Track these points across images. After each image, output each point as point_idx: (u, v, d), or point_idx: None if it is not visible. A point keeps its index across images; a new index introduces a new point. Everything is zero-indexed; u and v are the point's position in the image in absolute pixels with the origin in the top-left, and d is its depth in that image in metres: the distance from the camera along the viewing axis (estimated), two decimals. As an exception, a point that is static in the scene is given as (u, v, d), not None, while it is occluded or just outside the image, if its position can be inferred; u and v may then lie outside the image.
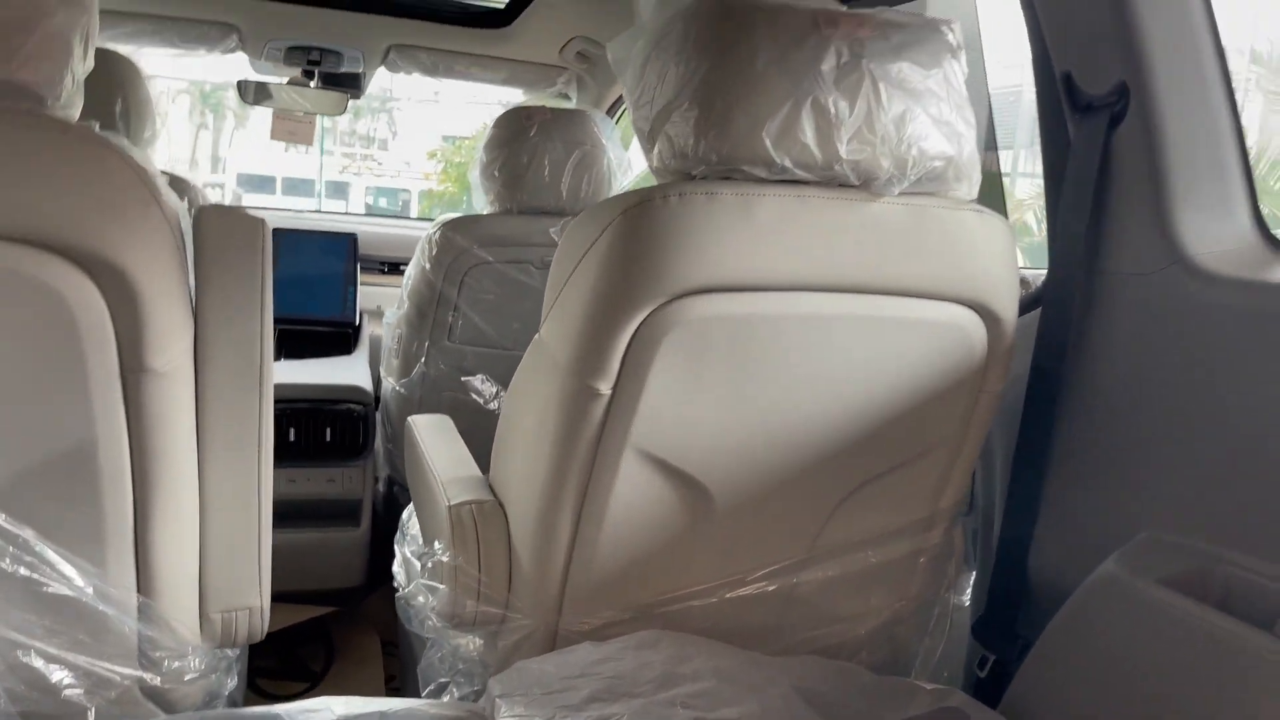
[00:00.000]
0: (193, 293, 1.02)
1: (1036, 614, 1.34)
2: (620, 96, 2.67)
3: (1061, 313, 1.26)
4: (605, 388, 1.07)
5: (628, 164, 2.22)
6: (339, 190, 15.91)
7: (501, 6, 2.51)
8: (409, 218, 4.14)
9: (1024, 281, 1.40)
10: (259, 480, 1.08)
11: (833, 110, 1.03)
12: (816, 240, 1.07)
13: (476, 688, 1.27)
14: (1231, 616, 0.98)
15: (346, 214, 3.75)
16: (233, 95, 2.97)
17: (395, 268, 3.06)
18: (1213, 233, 1.15)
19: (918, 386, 1.16)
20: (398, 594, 1.55)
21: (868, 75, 1.04)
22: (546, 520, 1.16)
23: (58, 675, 0.99)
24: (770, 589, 1.26)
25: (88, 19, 0.94)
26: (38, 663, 0.98)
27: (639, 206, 1.04)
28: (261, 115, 2.95)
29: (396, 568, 1.47)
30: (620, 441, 1.10)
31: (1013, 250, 1.16)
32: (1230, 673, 0.95)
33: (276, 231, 2.77)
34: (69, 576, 0.97)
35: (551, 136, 2.11)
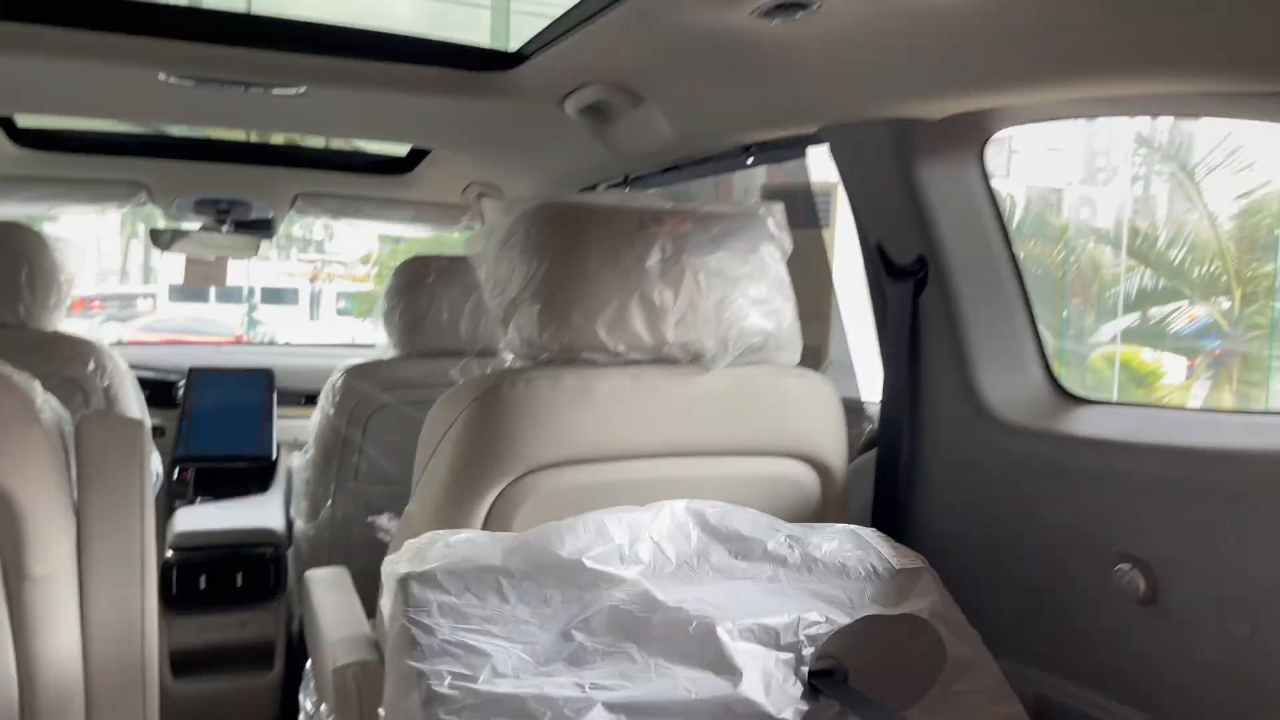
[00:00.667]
0: (74, 494, 1.10)
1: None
2: (520, 233, 2.81)
3: (892, 455, 1.39)
4: (467, 557, 1.17)
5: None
6: (276, 296, 15.91)
7: (403, 156, 2.65)
8: (340, 345, 4.22)
9: (868, 418, 1.54)
10: (144, 676, 1.15)
11: (658, 300, 1.17)
12: (652, 412, 1.19)
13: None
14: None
15: (269, 344, 3.83)
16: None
17: (313, 400, 3.13)
18: (1008, 384, 1.29)
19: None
20: None
21: (688, 267, 1.18)
22: (423, 680, 1.23)
23: None
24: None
25: None
26: None
27: (488, 393, 1.15)
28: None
29: (302, 717, 1.53)
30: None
31: (837, 405, 1.30)
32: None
33: (194, 371, 2.86)
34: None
35: (449, 283, 2.23)
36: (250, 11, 1.63)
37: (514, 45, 1.74)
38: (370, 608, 1.49)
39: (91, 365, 1.93)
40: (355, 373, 2.19)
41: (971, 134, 1.26)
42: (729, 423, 1.22)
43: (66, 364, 1.88)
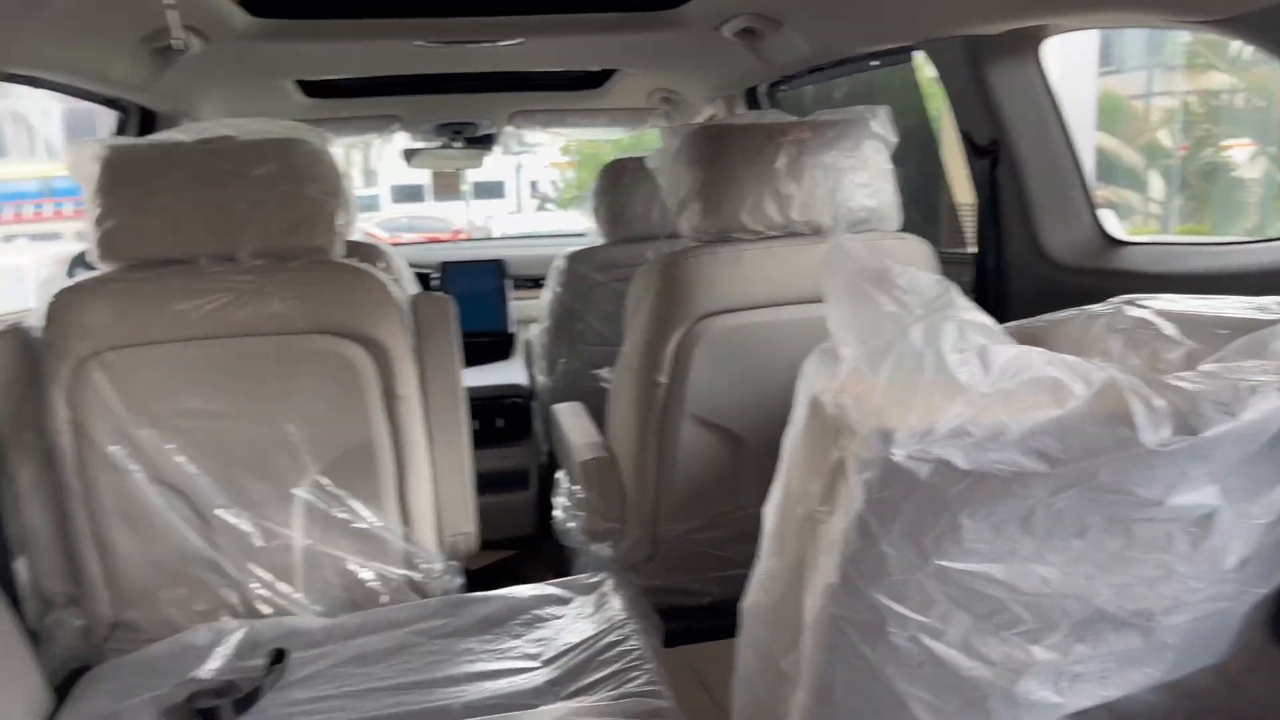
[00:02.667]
0: (415, 349, 1.71)
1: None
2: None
3: (983, 292, 1.81)
4: (663, 378, 1.72)
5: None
6: (487, 190, 17.02)
7: (595, 71, 3.16)
8: (553, 235, 4.88)
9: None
10: (464, 456, 1.78)
11: (785, 192, 1.64)
12: (785, 272, 1.68)
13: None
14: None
15: (492, 238, 4.51)
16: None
17: (538, 283, 3.77)
18: (1064, 234, 1.68)
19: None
20: (556, 527, 2.25)
21: (807, 166, 1.64)
22: (640, 465, 1.81)
23: (365, 575, 1.72)
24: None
25: (342, 198, 1.64)
26: (352, 568, 1.71)
27: (670, 265, 1.67)
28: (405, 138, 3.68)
29: (556, 512, 2.17)
30: (678, 411, 1.74)
31: (931, 261, 1.73)
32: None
33: (445, 264, 3.55)
34: (366, 516, 1.69)
35: (641, 181, 2.75)
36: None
37: (678, -13, 2.19)
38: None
39: (383, 263, 2.60)
40: (574, 258, 2.77)
41: (1027, 42, 1.63)
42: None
43: (367, 261, 2.57)
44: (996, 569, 0.66)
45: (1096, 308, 0.76)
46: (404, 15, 2.14)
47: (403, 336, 1.65)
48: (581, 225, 3.10)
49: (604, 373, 2.76)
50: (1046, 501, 0.64)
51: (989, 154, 1.72)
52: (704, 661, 1.60)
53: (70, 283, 1.57)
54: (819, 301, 1.70)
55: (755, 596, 0.84)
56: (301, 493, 1.66)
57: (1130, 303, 0.75)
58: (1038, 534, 0.65)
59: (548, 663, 1.53)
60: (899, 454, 0.63)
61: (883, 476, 0.64)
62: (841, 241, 0.73)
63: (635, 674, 1.43)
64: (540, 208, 18.29)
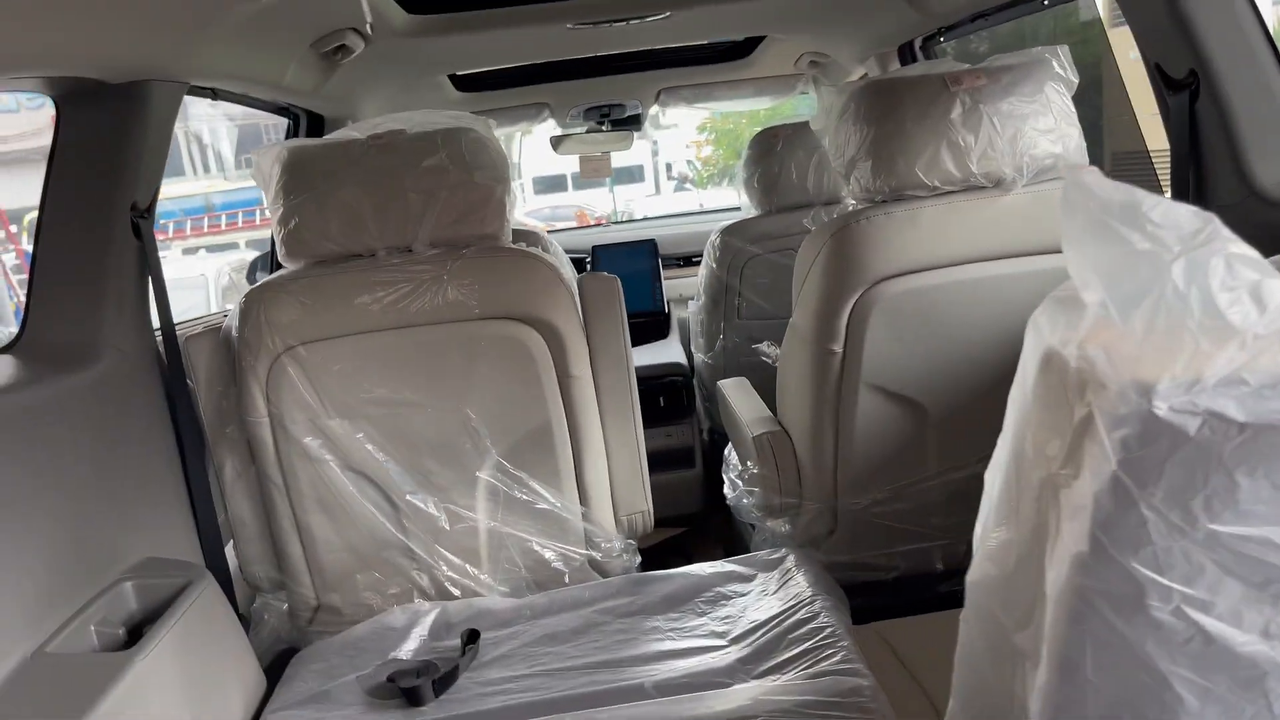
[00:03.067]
0: (584, 329, 1.72)
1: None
2: (850, 90, 3.18)
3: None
4: (838, 347, 1.66)
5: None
6: (626, 175, 17.13)
7: (740, 40, 3.10)
8: (696, 212, 4.85)
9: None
10: (636, 434, 1.77)
11: (962, 143, 1.55)
12: (965, 229, 1.59)
13: (788, 554, 1.91)
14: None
15: (662, 216, 4.53)
16: None
17: (689, 260, 3.76)
18: (1275, 172, 1.53)
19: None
20: (730, 505, 2.22)
21: (984, 114, 1.55)
22: (817, 437, 1.76)
23: (547, 555, 1.74)
24: (981, 469, 1.79)
25: (509, 184, 1.66)
26: (535, 549, 1.74)
27: (843, 229, 1.61)
28: (547, 127, 3.71)
29: (727, 489, 2.15)
30: (855, 380, 1.68)
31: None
32: None
33: (596, 248, 3.57)
34: (546, 497, 1.70)
35: (794, 147, 2.68)
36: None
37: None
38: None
39: (542, 248, 2.63)
40: (729, 231, 2.73)
41: (1229, -42, 1.49)
42: (1026, 229, 1.59)
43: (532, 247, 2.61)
44: (1276, 532, 0.59)
45: None
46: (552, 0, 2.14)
47: (574, 318, 1.65)
48: (723, 201, 3.05)
49: (764, 347, 2.70)
50: (1340, 454, 0.57)
51: (1186, 87, 1.58)
52: (898, 637, 1.54)
53: (260, 283, 1.64)
54: (1002, 258, 1.62)
55: (984, 569, 0.79)
56: (485, 476, 1.69)
57: None
58: (1323, 491, 0.58)
59: (736, 640, 1.51)
60: (1162, 407, 0.57)
61: (1142, 433, 0.58)
62: (1081, 174, 0.66)
63: (830, 651, 1.40)
64: (679, 188, 18.30)
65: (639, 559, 1.89)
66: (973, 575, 0.81)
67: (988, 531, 0.80)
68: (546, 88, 3.18)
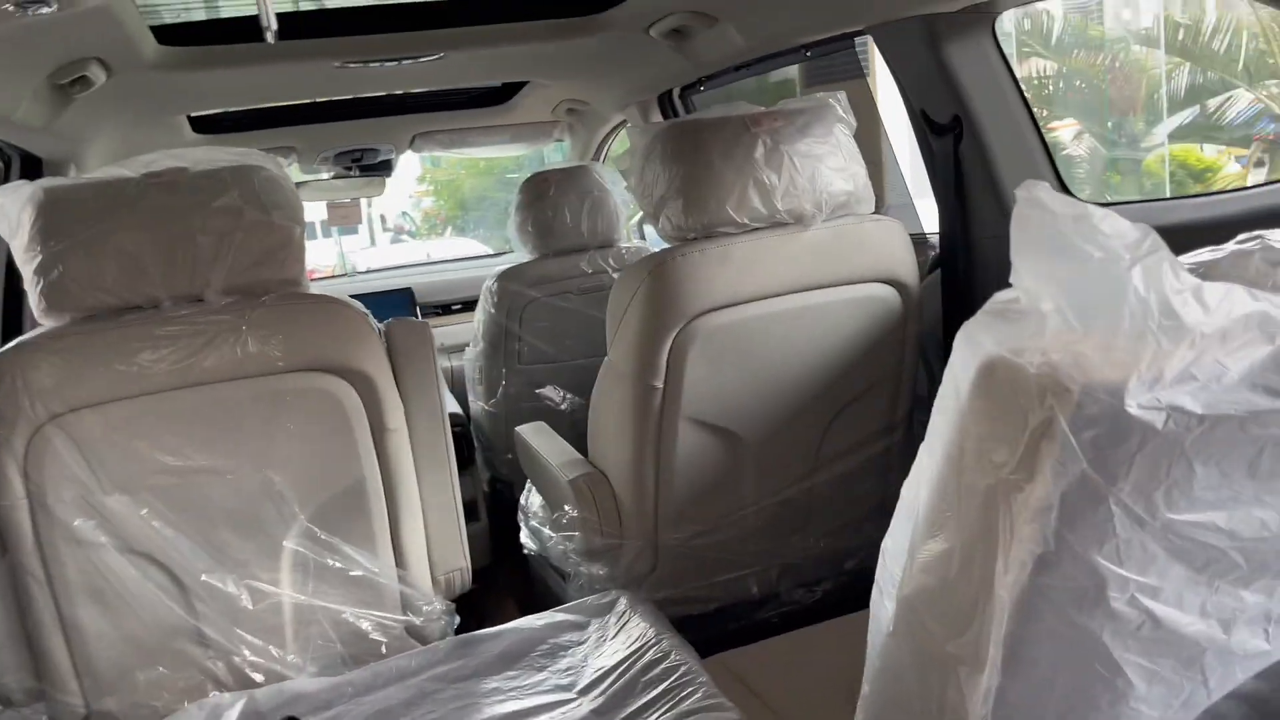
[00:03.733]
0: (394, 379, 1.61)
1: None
2: (605, 137, 3.25)
3: (952, 268, 1.84)
4: (658, 382, 1.67)
5: (627, 198, 2.81)
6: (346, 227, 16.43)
7: (499, 86, 3.08)
8: (449, 260, 4.76)
9: (931, 246, 1.98)
10: (452, 487, 1.68)
11: (767, 181, 1.62)
12: (773, 264, 1.66)
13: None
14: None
15: (396, 267, 4.36)
16: None
17: (448, 309, 3.66)
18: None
19: (862, 339, 1.75)
20: (531, 555, 2.16)
21: (785, 154, 1.62)
22: (637, 475, 1.76)
23: (363, 625, 1.60)
24: (793, 494, 1.86)
25: (304, 227, 1.53)
26: (349, 620, 1.59)
27: (660, 266, 1.63)
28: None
29: (525, 539, 2.09)
30: (675, 414, 1.70)
31: (906, 239, 1.74)
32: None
33: (352, 298, 3.39)
34: (360, 562, 1.57)
35: (566, 191, 2.69)
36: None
37: (606, -11, 2.15)
38: None
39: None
40: (506, 276, 2.68)
41: (983, 18, 1.66)
42: (829, 262, 1.68)
43: None
44: (1220, 516, 0.64)
45: (1235, 246, 0.75)
46: (322, 34, 2.03)
47: (387, 367, 1.55)
48: (452, 251, 3.01)
49: (548, 392, 2.69)
50: (1276, 439, 0.63)
51: (950, 131, 1.75)
52: (744, 667, 1.55)
53: (11, 344, 1.40)
54: (808, 290, 1.70)
55: (917, 581, 0.80)
56: (291, 544, 1.53)
57: (1263, 237, 0.75)
58: (1260, 476, 0.64)
59: (585, 691, 1.45)
60: (1132, 405, 0.60)
61: (1112, 431, 0.62)
62: (1035, 191, 0.70)
63: (689, 689, 1.38)
64: (395, 240, 17.89)
65: (458, 620, 1.78)
66: (905, 589, 0.82)
67: (917, 544, 0.81)
68: (293, 130, 3.00)
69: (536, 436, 2.14)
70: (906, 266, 1.74)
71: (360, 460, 1.54)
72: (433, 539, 1.69)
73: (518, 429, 2.22)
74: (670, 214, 1.65)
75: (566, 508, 1.86)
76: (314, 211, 3.76)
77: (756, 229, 1.65)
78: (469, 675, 1.53)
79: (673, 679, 1.41)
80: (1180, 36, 8.63)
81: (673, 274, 1.62)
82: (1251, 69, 8.39)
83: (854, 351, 1.75)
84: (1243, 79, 8.33)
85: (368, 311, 1.57)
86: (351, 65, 2.17)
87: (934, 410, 0.80)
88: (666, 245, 1.70)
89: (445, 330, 3.55)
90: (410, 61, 2.22)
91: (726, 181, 1.61)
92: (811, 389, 1.76)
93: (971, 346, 0.74)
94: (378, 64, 2.19)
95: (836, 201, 1.67)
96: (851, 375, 1.78)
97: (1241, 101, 8.36)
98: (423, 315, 3.52)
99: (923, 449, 0.81)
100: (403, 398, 1.60)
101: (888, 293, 1.74)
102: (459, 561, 1.74)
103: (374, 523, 1.58)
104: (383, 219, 18.34)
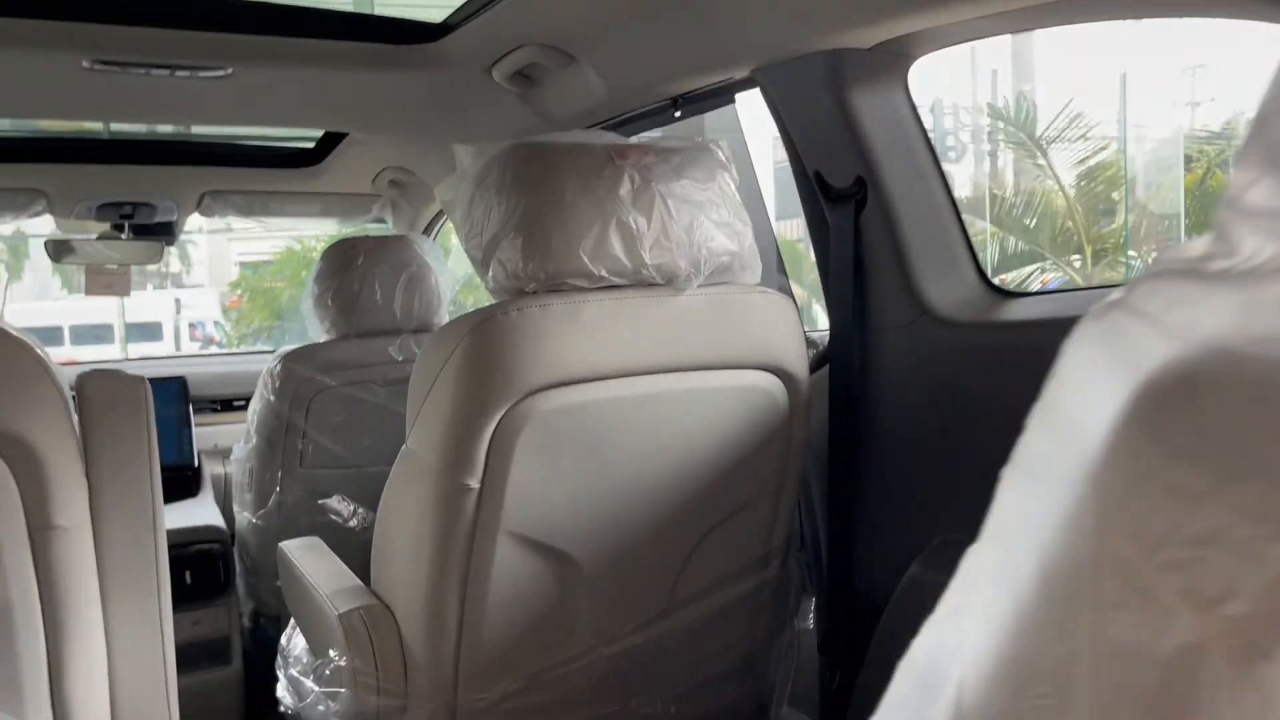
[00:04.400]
0: (82, 453, 1.11)
1: (868, 625, 1.56)
2: (436, 215, 2.85)
3: (845, 365, 1.51)
4: (474, 482, 1.23)
5: (453, 278, 2.39)
6: (144, 332, 15.20)
7: (311, 146, 2.65)
8: (233, 352, 4.13)
9: (813, 343, 1.65)
10: (160, 619, 1.16)
11: (634, 226, 1.24)
12: (635, 333, 1.27)
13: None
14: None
15: (166, 356, 3.72)
16: (3, 247, 2.93)
17: (228, 404, 3.09)
18: (946, 287, 1.42)
19: (737, 443, 1.37)
20: (288, 716, 1.62)
21: (658, 195, 1.26)
22: (435, 609, 1.28)
23: (-13, 834, 1.03)
24: (639, 642, 1.43)
25: None
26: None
27: (485, 323, 1.21)
28: (40, 263, 2.93)
29: (281, 691, 1.55)
30: (493, 527, 1.25)
31: (797, 321, 1.40)
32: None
33: None
34: (-9, 734, 1.02)
35: (379, 262, 2.25)
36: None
37: (441, 16, 1.79)
38: None
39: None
40: (293, 357, 2.19)
41: (898, 60, 1.39)
42: (705, 339, 1.31)
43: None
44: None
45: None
46: (62, 16, 1.56)
47: (63, 431, 1.05)
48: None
49: (334, 503, 2.15)
50: None
51: (851, 196, 1.45)
52: None
53: None
54: (675, 371, 1.31)
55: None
56: None
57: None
58: None
59: None
60: None
61: None
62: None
63: None
64: (204, 348, 16.71)
65: (154, 816, 1.23)
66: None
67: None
68: (43, 169, 2.44)
69: (305, 554, 1.63)
70: (795, 353, 1.39)
71: (4, 569, 1.01)
72: (123, 695, 1.16)
73: (282, 545, 1.70)
74: (504, 258, 1.25)
75: (333, 653, 1.36)
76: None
77: (616, 286, 1.27)
78: None
79: None
80: (997, 210, 9.18)
81: (502, 334, 1.21)
82: (1058, 245, 8.98)
83: (729, 456, 1.37)
84: (1052, 253, 8.88)
85: (44, 352, 1.07)
86: (109, 67, 1.70)
87: (1006, 498, 0.42)
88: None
89: (220, 430, 2.98)
90: (188, 74, 1.77)
91: (581, 219, 1.23)
92: (673, 502, 1.36)
93: (1113, 351, 0.37)
94: (143, 70, 1.73)
95: (717, 263, 1.31)
96: (724, 486, 1.39)
97: (1046, 277, 8.89)
98: (195, 410, 2.93)
99: (988, 563, 0.42)
100: (92, 484, 1.10)
101: (772, 384, 1.38)
102: None
103: (22, 667, 1.05)
104: (191, 326, 17.11)
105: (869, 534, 1.54)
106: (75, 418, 1.11)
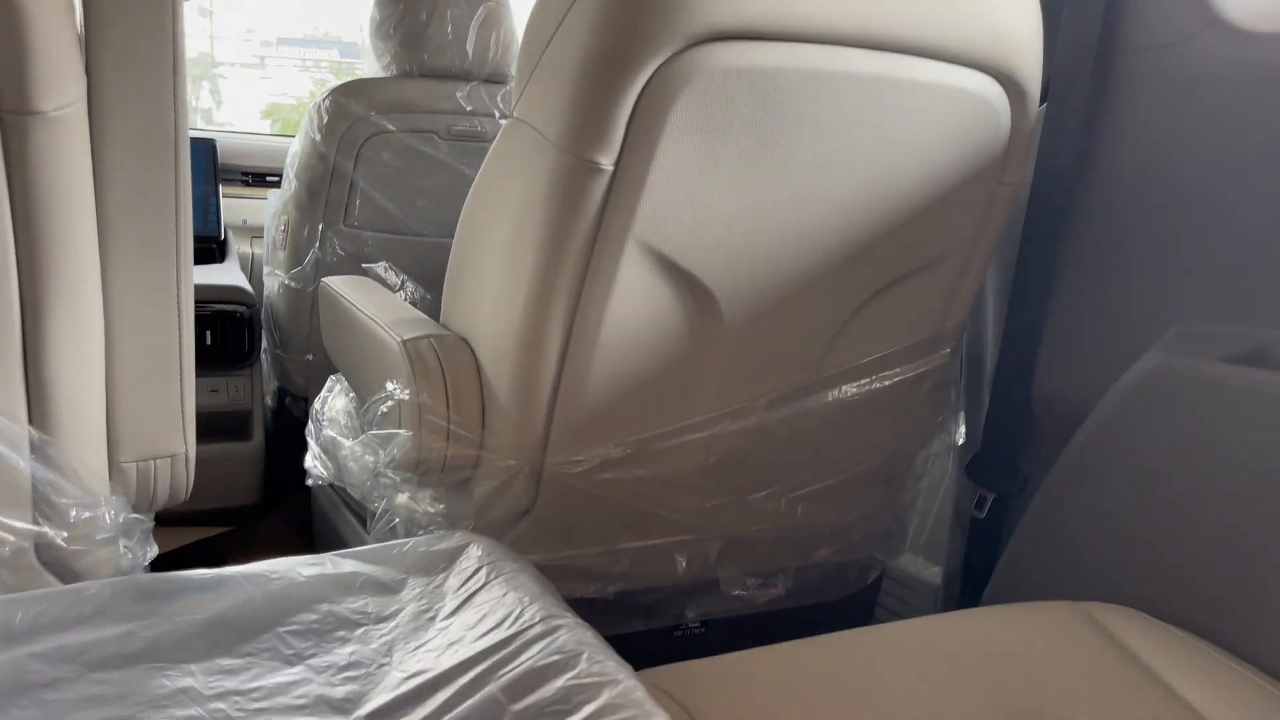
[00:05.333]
0: (81, 32, 0.79)
1: (1040, 443, 1.26)
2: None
3: (1071, 100, 1.16)
4: (608, 162, 0.90)
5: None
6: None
7: None
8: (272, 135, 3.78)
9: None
10: (178, 284, 0.86)
11: None
12: (847, -15, 0.92)
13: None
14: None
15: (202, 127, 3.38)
16: None
17: (260, 179, 2.78)
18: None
19: (941, 170, 1.04)
20: (316, 487, 1.35)
21: None
22: (532, 338, 0.98)
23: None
24: (773, 420, 1.13)
25: None
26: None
27: (644, -67, 0.87)
28: None
29: (311, 461, 1.26)
30: (622, 230, 0.93)
31: (1039, 22, 1.06)
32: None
33: None
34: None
35: (453, -7, 1.89)
36: None
37: None
38: None
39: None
40: (346, 91, 1.85)
41: None
42: (936, 16, 0.97)
43: None
44: None
45: None
46: None
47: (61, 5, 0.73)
48: None
49: (380, 269, 1.84)
50: None
51: None
52: (691, 694, 0.80)
53: None
54: (887, 51, 0.95)
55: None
56: None
57: None
58: None
59: (386, 714, 0.67)
60: None
61: None
62: None
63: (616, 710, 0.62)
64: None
65: (153, 551, 0.96)
66: None
67: None
68: None
69: (354, 288, 1.33)
70: (1033, 62, 1.05)
71: None
72: (119, 383, 0.87)
73: (324, 280, 1.39)
74: None
75: (391, 385, 1.06)
76: None
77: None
78: (141, 654, 0.72)
79: (584, 702, 0.64)
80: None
81: (669, -49, 0.86)
82: None
83: (931, 188, 1.04)
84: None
85: None
86: None
87: None
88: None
89: (249, 205, 2.67)
90: None
91: None
92: (851, 241, 1.04)
93: None
94: None
95: None
96: (916, 231, 1.07)
97: None
98: (224, 181, 2.61)
99: None
100: (91, 71, 0.78)
101: (997, 96, 1.04)
102: (174, 444, 0.92)
103: None
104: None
105: (1067, 324, 1.22)
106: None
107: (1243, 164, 1.04)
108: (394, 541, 0.90)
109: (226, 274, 2.11)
